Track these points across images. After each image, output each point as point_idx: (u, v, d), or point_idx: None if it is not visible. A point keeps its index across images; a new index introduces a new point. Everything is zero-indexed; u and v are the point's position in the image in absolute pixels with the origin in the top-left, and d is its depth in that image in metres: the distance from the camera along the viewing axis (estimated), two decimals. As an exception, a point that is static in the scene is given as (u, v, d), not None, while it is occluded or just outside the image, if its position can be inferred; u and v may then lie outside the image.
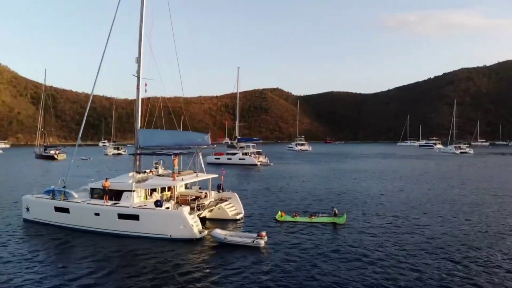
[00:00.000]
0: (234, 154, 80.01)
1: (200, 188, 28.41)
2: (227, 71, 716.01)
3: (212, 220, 26.21)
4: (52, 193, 25.52)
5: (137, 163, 26.63)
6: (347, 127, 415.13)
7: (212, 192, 27.85)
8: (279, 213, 27.00)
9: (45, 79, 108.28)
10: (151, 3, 27.00)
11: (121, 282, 15.39)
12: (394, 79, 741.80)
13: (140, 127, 26.91)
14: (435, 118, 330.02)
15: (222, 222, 25.57)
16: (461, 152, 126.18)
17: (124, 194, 23.37)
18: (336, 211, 26.20)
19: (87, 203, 23.76)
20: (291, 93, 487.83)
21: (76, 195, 24.86)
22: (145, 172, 26.46)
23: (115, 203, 23.20)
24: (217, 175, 28.51)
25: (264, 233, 20.68)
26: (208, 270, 16.84)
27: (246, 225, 25.12)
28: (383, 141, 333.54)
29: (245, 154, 79.32)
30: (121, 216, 22.32)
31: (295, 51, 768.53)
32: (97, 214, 23.06)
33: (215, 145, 29.03)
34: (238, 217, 26.36)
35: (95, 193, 24.70)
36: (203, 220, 25.48)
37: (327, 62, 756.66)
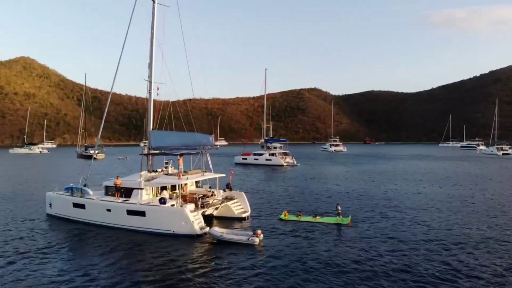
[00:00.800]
0: (261, 154, 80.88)
1: (210, 187, 29.51)
2: (263, 71, 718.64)
3: (219, 218, 27.16)
4: (71, 190, 27.45)
5: (150, 163, 28.16)
6: (388, 127, 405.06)
7: (221, 191, 28.83)
8: (284, 212, 27.58)
9: (85, 82, 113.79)
10: (162, 10, 28.33)
11: (124, 275, 16.52)
12: (438, 77, 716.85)
13: (153, 129, 28.33)
14: (480, 118, 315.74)
15: (228, 220, 26.49)
16: (503, 154, 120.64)
17: (134, 191, 24.82)
18: (339, 209, 26.39)
19: (101, 200, 25.43)
20: (329, 93, 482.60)
21: (91, 192, 26.61)
22: (156, 171, 27.83)
23: (126, 200, 24.68)
24: (224, 175, 29.36)
25: (259, 231, 21.39)
26: (201, 265, 17.73)
27: (249, 223, 25.83)
28: (425, 142, 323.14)
29: (272, 154, 79.97)
30: (130, 212, 23.78)
31: (334, 50, 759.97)
32: (108, 210, 24.67)
33: (218, 146, 30.00)
34: (244, 215, 27.13)
35: (109, 191, 26.33)
36: (210, 218, 26.59)
37: (367, 61, 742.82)
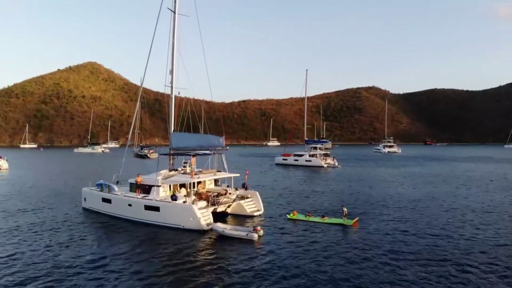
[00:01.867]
0: (301, 155, 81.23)
1: (228, 186, 31.02)
2: (319, 71, 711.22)
3: (233, 215, 28.67)
4: (100, 187, 30.26)
5: (171, 162, 30.36)
6: (452, 127, 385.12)
7: (234, 189, 30.24)
8: (293, 212, 28.42)
9: (142, 84, 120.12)
10: (182, 20, 30.30)
11: (132, 263, 18.39)
12: (507, 74, 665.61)
13: (174, 131, 30.40)
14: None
15: (240, 217, 27.97)
16: None
17: (153, 188, 26.94)
18: (345, 210, 26.67)
19: (124, 196, 27.86)
20: (388, 91, 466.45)
21: (116, 188, 29.21)
22: (176, 170, 29.84)
23: (145, 196, 26.86)
24: (238, 174, 30.88)
25: (259, 228, 22.61)
26: (201, 257, 19.32)
27: (258, 221, 26.92)
28: (491, 143, 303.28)
29: (312, 155, 79.97)
30: (147, 208, 25.96)
31: (394, 46, 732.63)
32: (130, 205, 27.04)
33: (228, 147, 31.42)
34: (255, 214, 28.34)
35: (132, 187, 28.74)
36: (225, 215, 28.17)
37: (429, 57, 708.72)
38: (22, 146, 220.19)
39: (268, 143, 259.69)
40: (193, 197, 26.81)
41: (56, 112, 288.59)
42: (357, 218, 26.85)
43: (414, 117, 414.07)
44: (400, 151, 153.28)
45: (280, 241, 21.95)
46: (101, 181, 31.32)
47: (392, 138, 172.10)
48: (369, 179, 55.31)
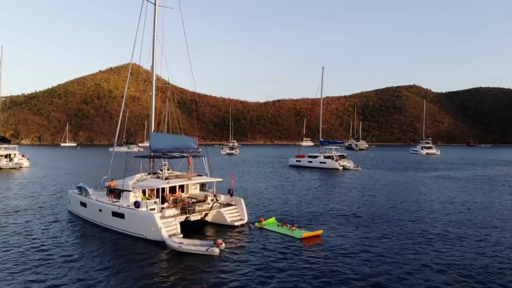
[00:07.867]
0: (315, 157, 77.37)
1: (213, 193, 28.84)
2: (357, 69, 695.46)
3: (212, 224, 26.49)
4: (79, 190, 29.00)
5: (151, 164, 28.67)
6: (498, 128, 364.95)
7: (222, 196, 28.06)
8: (261, 219, 26.31)
9: (168, 80, 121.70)
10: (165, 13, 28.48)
11: (79, 273, 17.23)
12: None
13: (154, 131, 28.63)
14: None
15: (219, 227, 25.82)
16: None
17: (123, 193, 25.17)
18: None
19: (95, 200, 26.35)
20: (430, 90, 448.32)
21: (90, 192, 27.78)
22: (155, 173, 28.03)
23: (115, 202, 25.16)
24: (221, 179, 28.70)
25: (220, 241, 20.30)
26: (152, 274, 17.29)
27: (234, 232, 24.72)
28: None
29: (327, 157, 75.65)
30: (114, 214, 24.28)
31: (436, 43, 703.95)
32: (100, 210, 25.50)
33: (200, 149, 29.17)
34: (236, 223, 25.86)
35: (108, 192, 27.19)
36: (204, 224, 26.09)
37: (474, 54, 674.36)
38: (62, 144, 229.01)
39: (301, 143, 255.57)
40: (166, 204, 24.92)
41: (96, 112, 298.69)
42: (312, 233, 23.92)
43: (458, 117, 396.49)
44: (439, 153, 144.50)
45: (242, 256, 19.65)
46: (81, 183, 30.09)
47: (430, 139, 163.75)
48: (384, 184, 51.09)
